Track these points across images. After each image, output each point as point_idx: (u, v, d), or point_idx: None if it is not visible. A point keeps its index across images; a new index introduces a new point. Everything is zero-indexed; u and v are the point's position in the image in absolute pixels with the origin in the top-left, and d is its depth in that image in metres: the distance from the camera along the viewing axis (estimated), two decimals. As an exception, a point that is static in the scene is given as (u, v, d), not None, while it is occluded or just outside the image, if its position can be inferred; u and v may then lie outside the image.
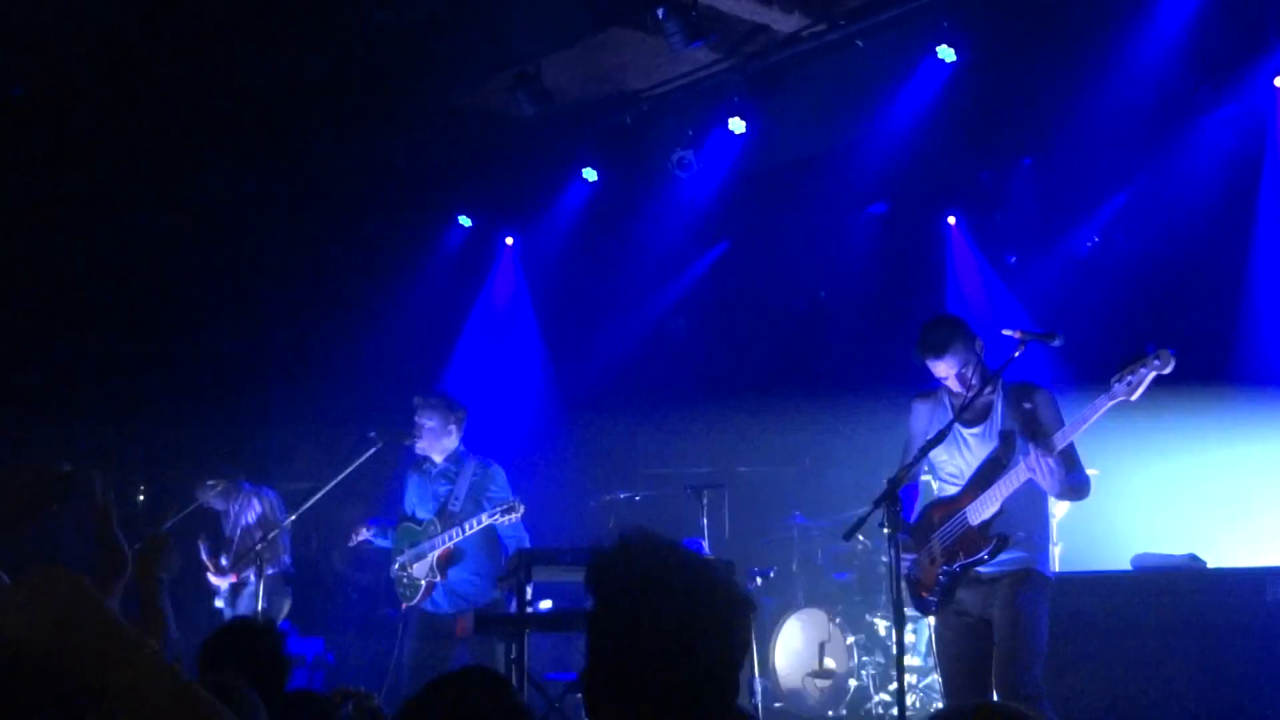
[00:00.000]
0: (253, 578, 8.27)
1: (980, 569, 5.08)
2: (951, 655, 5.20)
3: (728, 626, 2.04)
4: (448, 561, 6.81)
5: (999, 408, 5.17)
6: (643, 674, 1.97)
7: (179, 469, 8.67)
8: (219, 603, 8.55)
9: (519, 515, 6.52)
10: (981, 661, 5.06)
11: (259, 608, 7.92)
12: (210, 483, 8.47)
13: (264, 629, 3.91)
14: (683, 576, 2.05)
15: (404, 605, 7.06)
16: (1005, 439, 5.13)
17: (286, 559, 8.52)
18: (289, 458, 9.13)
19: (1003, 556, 5.03)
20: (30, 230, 8.96)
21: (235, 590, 8.46)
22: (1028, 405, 5.13)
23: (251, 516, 8.54)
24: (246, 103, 8.81)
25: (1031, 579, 5.06)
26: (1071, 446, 4.97)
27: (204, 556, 8.51)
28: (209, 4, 7.89)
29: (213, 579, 8.53)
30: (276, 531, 8.12)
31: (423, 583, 6.84)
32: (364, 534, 7.35)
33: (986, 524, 5.06)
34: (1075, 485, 5.09)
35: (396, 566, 7.01)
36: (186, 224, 9.33)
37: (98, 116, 8.70)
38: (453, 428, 7.07)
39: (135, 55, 8.33)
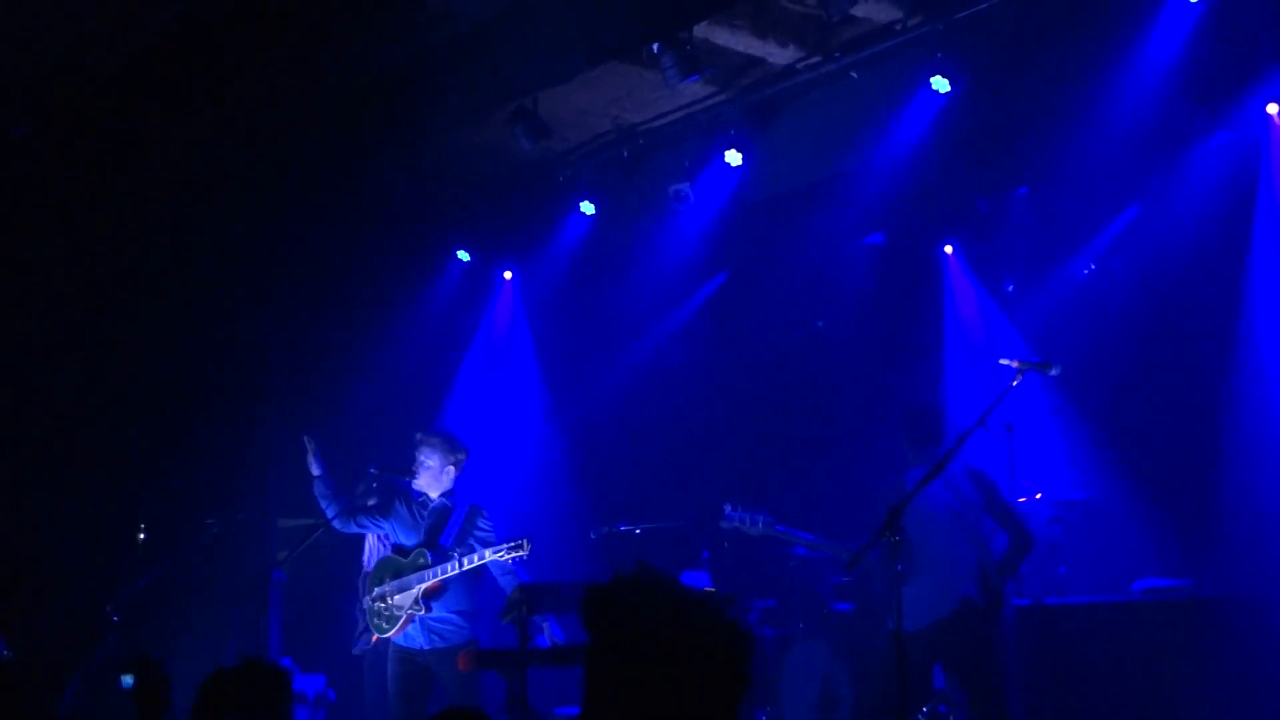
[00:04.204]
0: None
1: None
2: None
3: (727, 663, 2.01)
4: (432, 596, 6.77)
5: None
6: (640, 712, 1.95)
7: (178, 509, 8.59)
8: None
9: (525, 553, 6.47)
10: None
11: None
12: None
13: (271, 672, 3.80)
14: (680, 612, 2.03)
15: (375, 637, 7.01)
16: None
17: None
18: (288, 493, 9.09)
19: None
20: (27, 266, 8.98)
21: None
22: None
23: None
24: (245, 140, 8.85)
25: None
26: None
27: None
28: (206, 41, 7.94)
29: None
30: None
31: (403, 615, 6.79)
32: (310, 447, 7.19)
33: None
34: None
35: (373, 596, 6.94)
36: (183, 260, 9.35)
37: (98, 154, 8.74)
38: (451, 468, 7.02)
39: (136, 94, 8.37)
